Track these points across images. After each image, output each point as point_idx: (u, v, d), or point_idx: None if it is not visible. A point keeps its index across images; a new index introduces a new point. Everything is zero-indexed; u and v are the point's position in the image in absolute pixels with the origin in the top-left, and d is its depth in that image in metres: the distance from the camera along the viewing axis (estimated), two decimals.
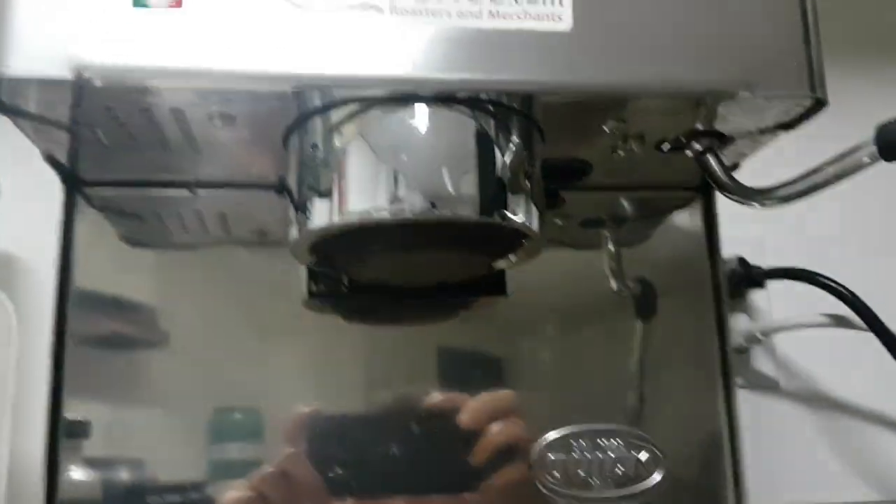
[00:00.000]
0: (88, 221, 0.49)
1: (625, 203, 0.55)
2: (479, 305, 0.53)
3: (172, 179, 0.49)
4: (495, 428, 0.49)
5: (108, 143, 0.44)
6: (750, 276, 0.72)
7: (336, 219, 0.40)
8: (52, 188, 0.49)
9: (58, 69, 0.36)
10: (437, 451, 0.49)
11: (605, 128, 0.43)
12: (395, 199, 0.39)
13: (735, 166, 0.49)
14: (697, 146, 0.45)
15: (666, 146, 0.46)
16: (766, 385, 0.73)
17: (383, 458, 0.48)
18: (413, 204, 0.39)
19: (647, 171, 0.51)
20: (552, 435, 0.50)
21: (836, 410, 0.73)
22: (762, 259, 0.73)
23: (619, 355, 0.53)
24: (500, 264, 0.46)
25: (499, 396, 0.50)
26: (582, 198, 0.54)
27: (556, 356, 0.52)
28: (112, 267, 0.50)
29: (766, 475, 0.67)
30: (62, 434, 0.46)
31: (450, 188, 0.39)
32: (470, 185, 0.40)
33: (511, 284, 0.52)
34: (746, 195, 0.43)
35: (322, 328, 0.51)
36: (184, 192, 0.50)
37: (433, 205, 0.39)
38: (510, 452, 0.49)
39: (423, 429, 0.49)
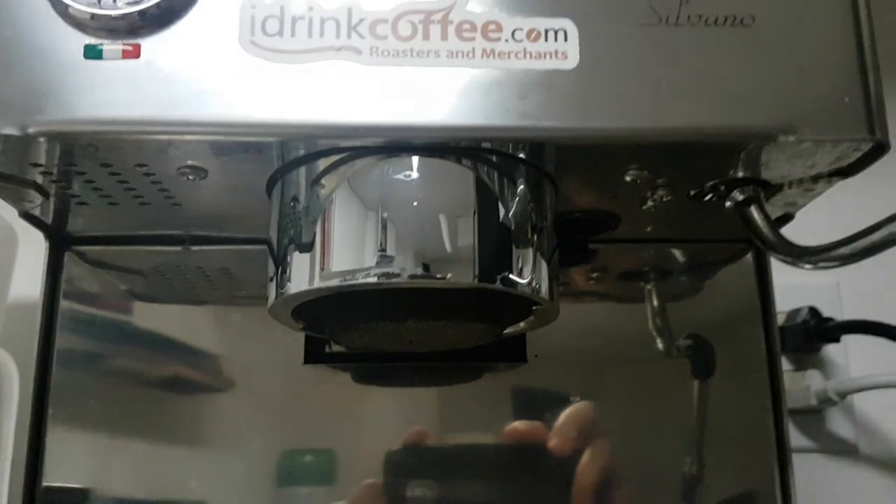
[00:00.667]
0: (79, 277, 0.46)
1: (668, 254, 0.49)
2: (499, 371, 0.47)
3: (164, 235, 0.46)
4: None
5: (83, 202, 0.40)
6: (823, 330, 0.65)
7: (317, 283, 0.36)
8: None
9: (4, 124, 0.33)
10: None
11: (626, 178, 0.37)
12: (383, 260, 0.34)
13: (787, 218, 0.43)
14: (738, 196, 0.39)
15: (703, 195, 0.40)
16: (843, 449, 0.66)
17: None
18: (403, 267, 0.34)
19: (687, 223, 0.45)
20: None
21: None
22: (837, 310, 0.67)
23: (671, 423, 0.47)
24: (510, 331, 0.41)
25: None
26: (618, 249, 0.48)
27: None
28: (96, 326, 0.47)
29: None
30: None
31: (446, 248, 0.34)
32: (468, 246, 0.35)
33: (538, 345, 0.46)
34: (794, 255, 0.37)
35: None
36: (176, 248, 0.47)
37: (426, 268, 0.34)
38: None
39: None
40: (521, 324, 0.40)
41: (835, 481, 0.66)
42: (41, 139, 0.33)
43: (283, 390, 0.46)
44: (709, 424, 0.47)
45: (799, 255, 0.37)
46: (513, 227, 0.36)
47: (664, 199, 0.40)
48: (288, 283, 0.36)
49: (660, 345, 0.48)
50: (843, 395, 0.64)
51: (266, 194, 0.39)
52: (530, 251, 0.36)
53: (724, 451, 0.46)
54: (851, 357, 0.67)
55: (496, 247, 0.35)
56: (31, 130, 0.33)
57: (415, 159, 0.35)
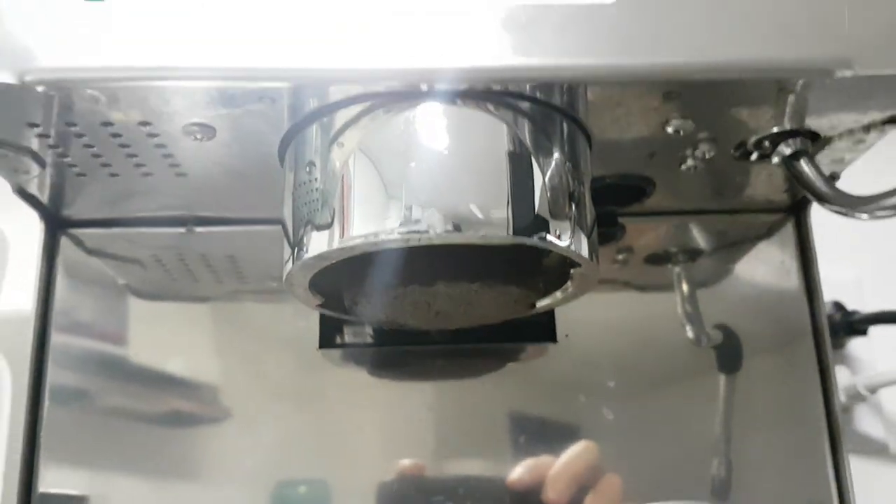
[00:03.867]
0: (74, 265, 0.43)
1: (697, 231, 0.46)
2: (526, 355, 0.44)
3: (166, 217, 0.43)
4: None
5: (82, 172, 0.38)
6: (849, 323, 0.62)
7: (336, 244, 0.32)
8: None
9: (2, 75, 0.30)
10: None
11: (668, 129, 0.35)
12: (408, 220, 0.31)
13: (833, 178, 0.40)
14: (786, 150, 0.36)
15: (746, 153, 0.37)
16: (872, 449, 0.63)
17: None
18: (431, 225, 0.31)
19: (722, 190, 0.42)
20: None
21: None
22: (861, 303, 0.64)
23: (699, 417, 0.44)
24: (545, 302, 0.38)
25: (578, 456, 0.42)
26: (645, 227, 0.46)
27: (621, 418, 0.43)
28: (104, 319, 0.43)
29: None
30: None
31: (476, 205, 0.31)
32: (501, 201, 0.32)
33: (564, 331, 0.43)
34: (852, 205, 0.34)
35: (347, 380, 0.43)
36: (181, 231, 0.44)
37: (455, 226, 0.31)
38: None
39: None
40: (558, 293, 0.37)
41: (865, 481, 0.63)
42: (39, 88, 0.30)
43: (295, 380, 0.43)
44: (740, 421, 0.44)
45: (854, 205, 0.34)
46: (549, 182, 0.33)
47: (705, 157, 0.37)
48: (307, 248, 0.33)
49: (690, 333, 0.45)
50: (873, 389, 0.61)
51: (278, 160, 0.37)
52: (568, 207, 0.33)
53: (764, 448, 0.43)
54: (878, 352, 0.64)
55: (532, 201, 0.32)
56: (27, 78, 0.30)
57: (443, 107, 0.32)
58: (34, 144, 0.35)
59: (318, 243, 0.33)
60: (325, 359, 0.43)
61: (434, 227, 0.31)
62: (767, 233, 0.46)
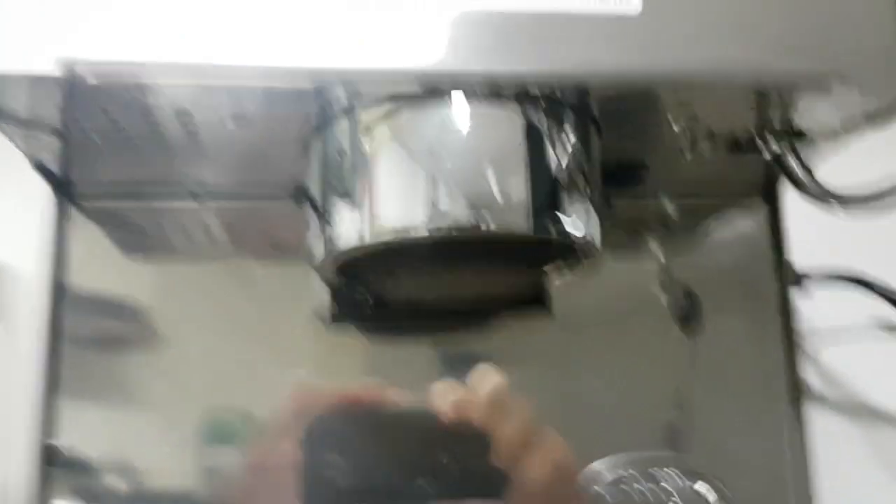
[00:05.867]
0: (84, 234, 0.44)
1: (674, 208, 0.49)
2: (515, 323, 0.47)
3: (176, 189, 0.44)
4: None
5: (104, 149, 0.38)
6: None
7: (368, 237, 0.35)
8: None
9: (46, 65, 0.31)
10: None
11: (674, 126, 0.38)
12: (434, 211, 0.34)
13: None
14: (775, 147, 0.39)
15: (738, 147, 0.40)
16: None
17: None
18: (456, 217, 0.33)
19: (704, 176, 0.45)
20: (600, 464, 0.45)
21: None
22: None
23: (671, 376, 0.48)
24: (552, 279, 0.41)
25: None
26: (629, 203, 0.49)
27: (600, 377, 0.47)
28: (110, 283, 0.44)
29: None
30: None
31: (498, 197, 0.34)
32: (521, 193, 0.34)
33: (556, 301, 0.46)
34: (837, 201, 0.38)
35: (340, 347, 0.46)
36: (189, 203, 0.45)
37: (479, 217, 0.34)
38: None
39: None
40: (563, 272, 0.40)
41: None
42: (90, 80, 0.31)
43: (304, 350, 0.45)
44: (707, 380, 0.48)
45: (833, 200, 0.38)
46: (565, 174, 0.35)
47: (704, 150, 0.40)
48: (338, 240, 0.35)
49: (663, 300, 0.49)
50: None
51: (304, 146, 0.38)
52: (582, 199, 0.36)
53: (729, 403, 0.47)
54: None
55: (549, 193, 0.35)
56: (77, 70, 0.31)
57: (464, 106, 0.35)
58: (58, 124, 0.36)
59: (348, 235, 0.35)
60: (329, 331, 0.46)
61: (458, 221, 0.33)
62: (741, 210, 0.50)
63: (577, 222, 0.35)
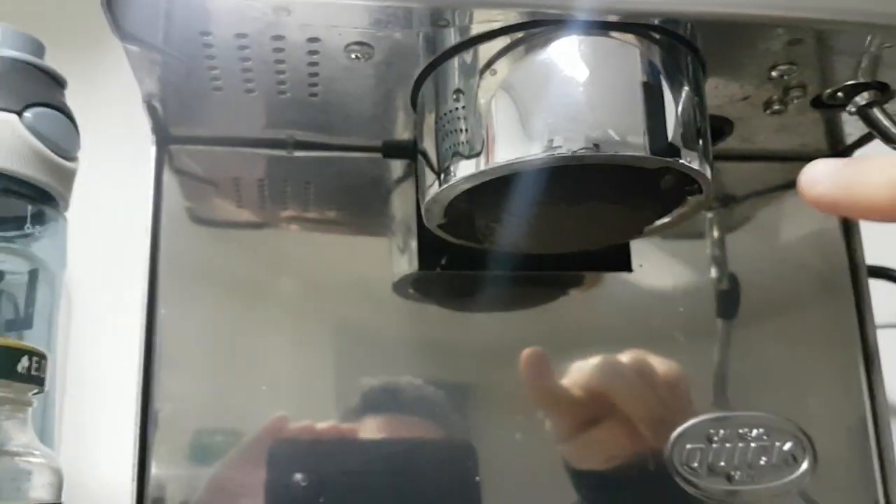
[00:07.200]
0: (176, 183, 0.44)
1: (752, 171, 0.51)
2: (596, 284, 0.48)
3: (268, 139, 0.45)
4: None
5: (219, 87, 0.39)
6: None
7: (483, 167, 0.35)
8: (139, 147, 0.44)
9: None
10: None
11: (773, 73, 0.39)
12: (551, 143, 0.35)
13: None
14: (860, 100, 0.41)
15: (820, 102, 0.42)
16: None
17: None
18: (571, 148, 0.34)
19: (778, 135, 0.47)
20: (689, 423, 0.45)
21: None
22: None
23: (754, 340, 0.49)
24: (659, 224, 0.42)
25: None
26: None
27: (686, 339, 0.48)
28: (201, 235, 0.45)
29: None
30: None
31: (615, 128, 0.35)
32: (638, 125, 0.35)
33: (638, 261, 0.48)
34: None
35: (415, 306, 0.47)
36: (281, 153, 0.46)
37: (597, 146, 0.35)
38: None
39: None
40: (667, 218, 0.41)
41: None
42: None
43: (380, 307, 0.46)
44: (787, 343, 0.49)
45: None
46: (680, 110, 0.36)
47: (791, 103, 0.42)
48: (454, 172, 0.36)
49: (713, 274, 0.50)
50: None
51: (412, 93, 0.39)
52: (695, 135, 0.37)
53: (810, 366, 0.48)
54: None
55: (665, 127, 0.36)
56: None
57: (583, 36, 0.36)
58: (192, 52, 0.36)
59: (465, 167, 0.36)
60: (401, 290, 0.46)
61: (575, 149, 0.34)
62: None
63: (693, 154, 0.36)
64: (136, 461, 0.40)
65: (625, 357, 0.46)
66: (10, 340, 0.30)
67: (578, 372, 0.46)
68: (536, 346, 0.46)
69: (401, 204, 0.48)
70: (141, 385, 0.41)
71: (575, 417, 0.45)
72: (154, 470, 0.40)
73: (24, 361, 0.30)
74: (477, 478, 0.44)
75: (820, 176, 0.30)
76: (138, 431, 0.40)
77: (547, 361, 0.46)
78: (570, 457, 0.45)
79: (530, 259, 0.45)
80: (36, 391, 0.32)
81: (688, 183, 0.38)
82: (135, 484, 0.39)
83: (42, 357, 0.31)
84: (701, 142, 0.37)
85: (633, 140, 0.35)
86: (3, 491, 0.30)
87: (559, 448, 0.45)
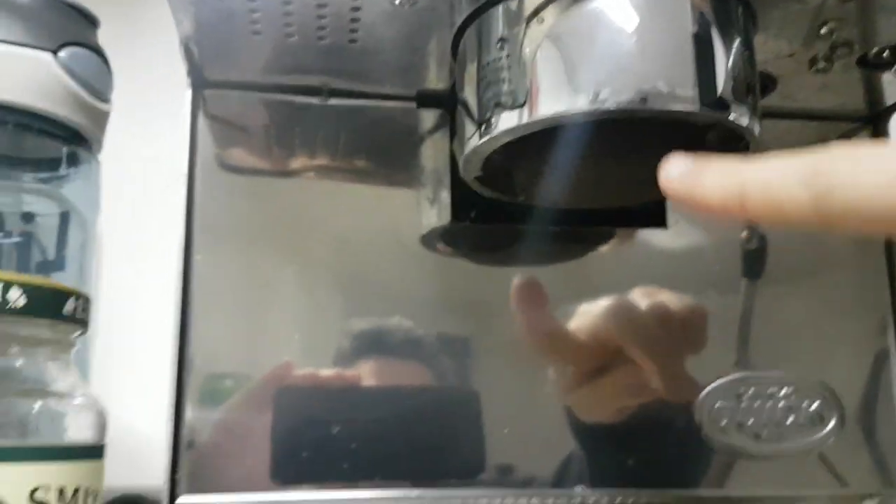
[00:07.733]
0: (210, 129, 0.44)
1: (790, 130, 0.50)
2: (626, 241, 0.48)
3: (303, 85, 0.44)
4: None
5: (258, 31, 0.38)
6: None
7: (527, 119, 0.35)
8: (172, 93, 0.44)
9: None
10: None
11: (822, 30, 0.38)
12: (597, 96, 0.34)
13: None
14: None
15: (865, 61, 0.41)
16: None
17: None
18: (618, 101, 0.34)
19: (816, 95, 0.46)
20: (719, 382, 0.45)
21: None
22: None
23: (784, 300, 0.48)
24: None
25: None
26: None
27: (719, 297, 0.48)
28: (233, 182, 0.45)
29: None
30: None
31: (664, 81, 0.34)
32: (688, 78, 0.34)
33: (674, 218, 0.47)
34: None
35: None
36: (313, 101, 0.45)
37: (643, 100, 0.34)
38: None
39: None
40: None
41: None
42: None
43: (408, 258, 0.46)
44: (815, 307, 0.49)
45: None
46: (731, 64, 0.36)
47: (837, 61, 0.41)
48: (496, 124, 0.36)
49: (743, 234, 0.50)
50: None
51: (456, 36, 0.39)
52: (746, 91, 0.36)
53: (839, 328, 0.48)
54: None
55: (715, 81, 0.35)
56: None
57: None
58: None
59: (507, 119, 0.35)
60: (429, 242, 0.46)
61: (621, 103, 0.34)
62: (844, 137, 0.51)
63: (742, 110, 0.35)
64: (173, 403, 0.40)
65: (638, 296, 0.46)
66: (57, 283, 0.30)
67: (585, 317, 0.46)
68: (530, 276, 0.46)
69: (432, 155, 0.47)
70: (178, 329, 0.41)
71: (586, 363, 0.45)
72: (189, 413, 0.41)
73: (70, 303, 0.30)
74: (506, 430, 0.44)
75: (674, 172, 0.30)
76: (175, 375, 0.40)
77: (541, 290, 0.46)
78: (576, 406, 0.45)
79: (563, 214, 0.45)
80: (79, 332, 0.32)
81: (733, 139, 0.38)
82: (171, 424, 0.40)
83: (87, 299, 0.31)
84: (750, 97, 0.36)
85: (682, 93, 0.34)
86: (46, 432, 0.30)
87: (568, 397, 0.45)
